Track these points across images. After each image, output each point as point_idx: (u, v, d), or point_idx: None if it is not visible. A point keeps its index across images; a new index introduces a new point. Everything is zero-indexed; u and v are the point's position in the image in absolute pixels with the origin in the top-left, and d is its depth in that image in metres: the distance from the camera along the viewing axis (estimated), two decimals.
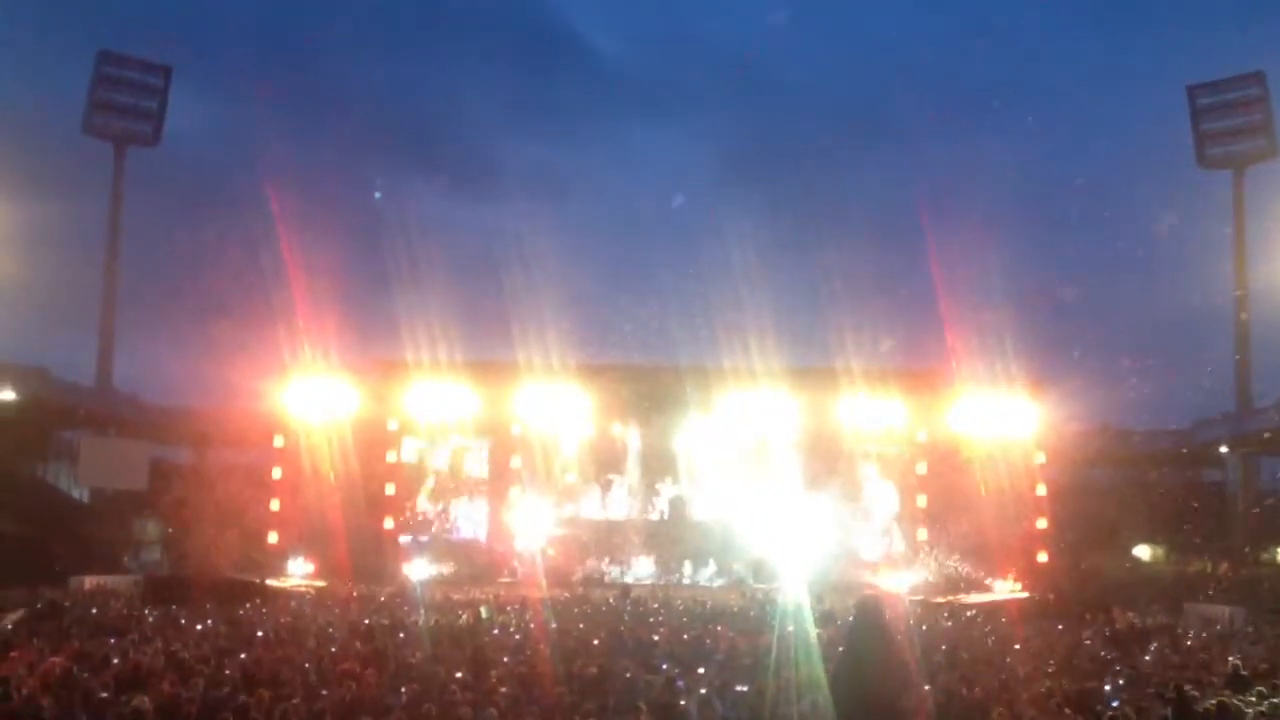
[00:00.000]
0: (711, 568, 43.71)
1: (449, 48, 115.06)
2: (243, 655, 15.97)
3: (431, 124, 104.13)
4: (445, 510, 46.85)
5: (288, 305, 47.14)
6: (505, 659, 16.36)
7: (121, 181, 56.94)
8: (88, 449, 48.25)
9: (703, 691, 13.27)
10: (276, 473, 44.07)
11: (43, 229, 48.72)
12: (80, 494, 49.97)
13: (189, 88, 66.41)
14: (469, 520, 46.93)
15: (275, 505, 43.45)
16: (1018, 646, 21.16)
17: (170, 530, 45.57)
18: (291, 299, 47.32)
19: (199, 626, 21.34)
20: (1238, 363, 53.73)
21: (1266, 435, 46.53)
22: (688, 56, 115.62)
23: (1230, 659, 16.81)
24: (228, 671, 14.11)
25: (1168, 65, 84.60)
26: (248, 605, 27.97)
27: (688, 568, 44.10)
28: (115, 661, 14.87)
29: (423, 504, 46.63)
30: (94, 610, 24.53)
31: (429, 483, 46.79)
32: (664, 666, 15.49)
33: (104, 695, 11.88)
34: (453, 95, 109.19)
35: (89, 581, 33.66)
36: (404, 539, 44.66)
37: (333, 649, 17.12)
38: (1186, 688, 13.23)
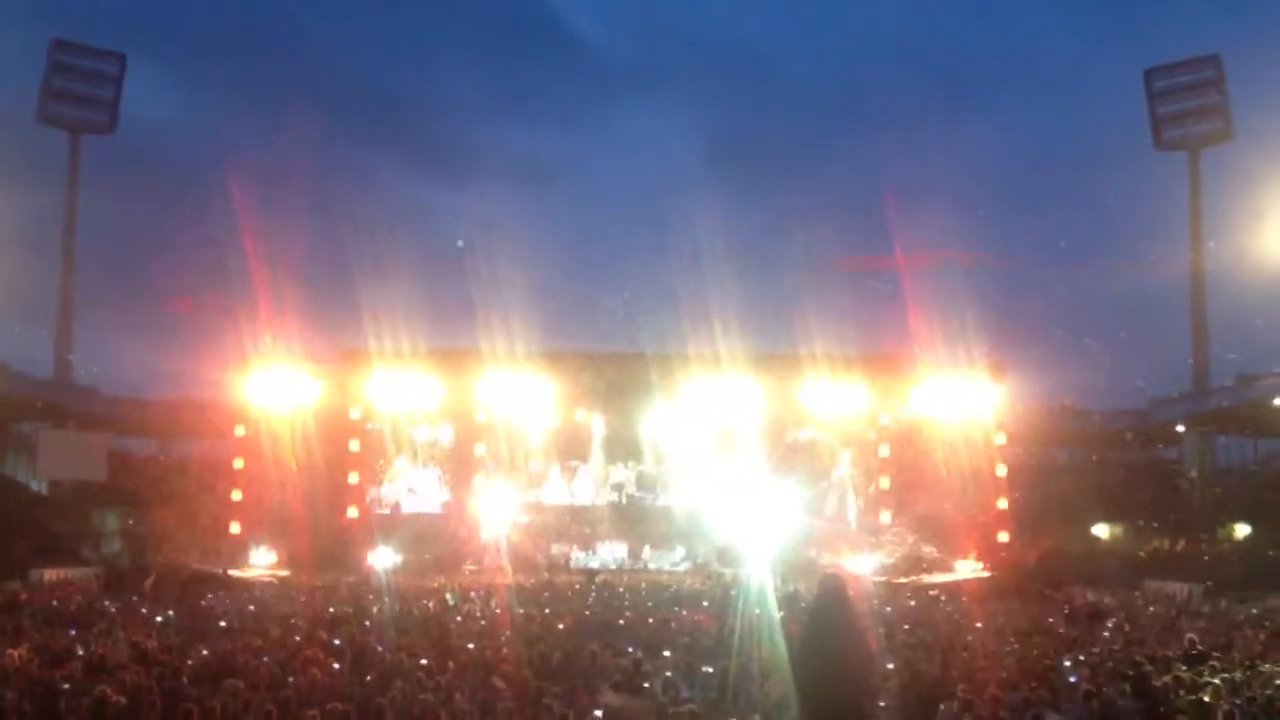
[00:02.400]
0: (678, 552, 43.82)
1: (419, 29, 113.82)
2: (205, 649, 15.88)
3: (399, 109, 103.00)
4: (410, 487, 46.54)
5: (249, 294, 46.71)
6: (470, 645, 16.36)
7: (77, 170, 56.25)
8: (46, 441, 47.65)
9: (668, 673, 13.32)
10: (238, 463, 43.58)
11: None
12: (39, 486, 49.34)
13: (145, 74, 65.48)
14: (431, 493, 46.65)
15: (237, 495, 42.99)
16: (979, 625, 21.43)
17: (131, 522, 45.13)
18: (253, 288, 46.89)
19: (160, 618, 21.17)
20: (1193, 342, 54.48)
21: (1224, 406, 47.24)
22: (665, 41, 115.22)
23: (1187, 635, 17.10)
24: (190, 662, 14.03)
25: (1126, 48, 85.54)
26: (210, 596, 27.79)
27: (653, 553, 44.18)
28: (80, 653, 14.76)
29: (386, 485, 46.34)
30: (54, 602, 24.27)
31: (396, 462, 46.44)
32: (630, 649, 15.56)
33: (66, 686, 11.79)
34: (423, 79, 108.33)
35: (49, 574, 33.32)
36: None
37: (296, 638, 17.04)
38: (1144, 663, 13.46)
